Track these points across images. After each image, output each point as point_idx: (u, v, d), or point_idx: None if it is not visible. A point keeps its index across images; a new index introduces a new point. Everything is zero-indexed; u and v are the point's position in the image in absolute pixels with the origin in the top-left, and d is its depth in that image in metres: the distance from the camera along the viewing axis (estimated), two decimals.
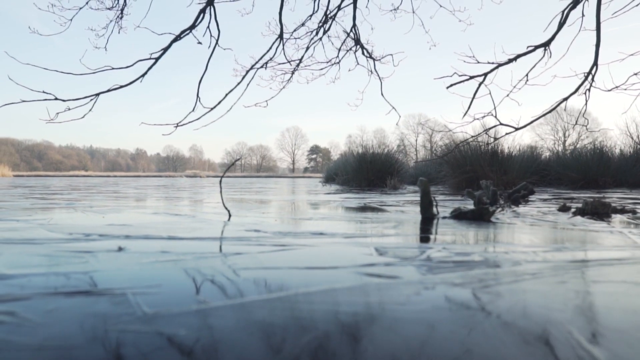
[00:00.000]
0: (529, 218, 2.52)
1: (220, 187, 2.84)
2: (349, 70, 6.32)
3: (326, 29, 6.00)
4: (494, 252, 1.38)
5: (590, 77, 4.17)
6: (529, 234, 1.86)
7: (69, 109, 4.20)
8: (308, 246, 1.49)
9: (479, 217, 2.45)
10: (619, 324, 0.71)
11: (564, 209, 3.03)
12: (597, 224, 2.20)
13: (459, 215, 2.50)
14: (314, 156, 74.47)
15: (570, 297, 0.86)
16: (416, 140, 60.05)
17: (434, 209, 2.55)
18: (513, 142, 10.43)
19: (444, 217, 2.50)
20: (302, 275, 1.05)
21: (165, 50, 4.87)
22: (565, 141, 44.96)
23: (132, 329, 0.68)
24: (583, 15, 4.27)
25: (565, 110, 4.82)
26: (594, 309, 0.79)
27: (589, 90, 4.22)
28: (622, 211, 2.87)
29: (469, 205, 3.27)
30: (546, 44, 4.36)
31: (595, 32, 4.13)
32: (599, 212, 2.79)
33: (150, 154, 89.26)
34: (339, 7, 5.93)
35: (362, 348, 0.61)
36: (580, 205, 2.98)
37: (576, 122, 5.30)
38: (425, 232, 1.93)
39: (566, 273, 1.07)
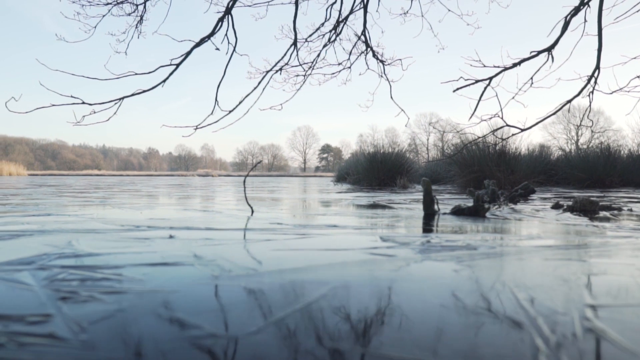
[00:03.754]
0: (521, 214, 2.81)
1: (244, 187, 3.16)
2: (360, 74, 6.57)
3: (338, 31, 6.29)
4: (476, 240, 1.68)
5: (593, 80, 4.41)
6: (513, 227, 2.15)
7: (94, 112, 4.53)
8: (324, 235, 1.80)
9: (475, 213, 2.74)
10: (539, 283, 1.01)
11: (556, 206, 3.31)
12: (579, 220, 2.49)
13: (457, 212, 2.80)
14: (325, 155, 74.84)
15: (519, 268, 1.17)
16: (427, 139, 60.14)
17: (435, 206, 2.85)
18: (521, 142, 10.64)
19: (444, 214, 2.80)
20: (321, 254, 1.36)
21: (186, 56, 5.18)
22: (578, 140, 44.83)
23: (211, 283, 1.00)
24: (585, 20, 4.50)
25: (569, 111, 5.04)
26: (529, 276, 1.09)
27: (592, 92, 4.46)
28: (609, 208, 3.15)
29: (471, 203, 3.56)
30: (549, 49, 4.58)
31: (597, 37, 4.37)
32: (587, 209, 3.07)
33: (162, 153, 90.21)
34: (350, 11, 6.22)
35: (361, 293, 0.91)
36: (570, 203, 3.26)
37: (580, 123, 5.53)
38: (425, 225, 2.23)
39: (528, 254, 1.37)
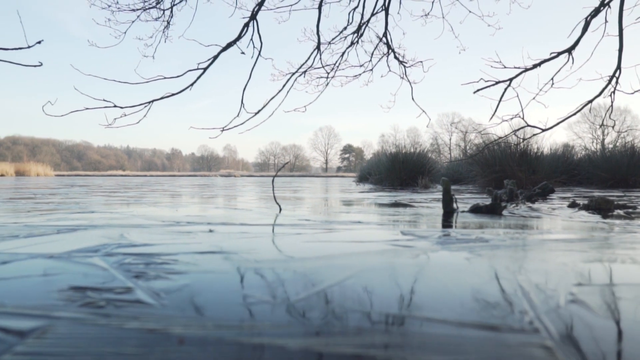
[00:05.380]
0: (536, 212, 2.93)
1: (273, 186, 3.34)
2: (382, 76, 6.69)
3: (360, 33, 6.44)
4: (489, 234, 1.83)
5: (614, 80, 4.48)
6: (526, 223, 2.29)
7: (125, 115, 4.75)
8: (349, 230, 1.97)
9: (493, 211, 2.88)
10: (539, 268, 1.16)
11: (573, 205, 3.42)
12: (592, 217, 2.61)
13: (475, 210, 2.93)
14: (346, 155, 75.01)
15: (523, 256, 1.32)
16: (450, 139, 59.86)
17: (454, 205, 2.99)
18: (542, 142, 10.65)
19: (463, 212, 2.94)
20: (347, 245, 1.53)
21: (213, 60, 5.38)
22: (603, 139, 44.11)
23: (250, 267, 1.17)
24: (606, 21, 4.57)
25: (590, 111, 5.10)
26: (531, 262, 1.24)
27: (613, 92, 4.53)
28: (624, 207, 3.25)
29: (489, 202, 3.68)
30: (569, 50, 4.65)
31: (618, 38, 4.44)
32: (602, 207, 3.17)
33: (185, 153, 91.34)
34: (372, 14, 6.37)
35: (382, 274, 1.08)
36: (586, 202, 3.37)
37: (602, 122, 5.61)
38: (443, 222, 2.38)
39: (534, 245, 1.52)
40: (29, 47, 3.02)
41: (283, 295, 0.89)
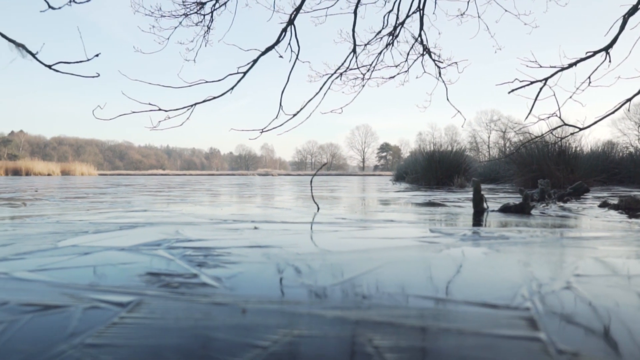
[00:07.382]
0: (565, 212, 3.03)
1: (311, 186, 3.53)
2: (417, 77, 6.79)
3: (395, 34, 6.56)
4: (511, 232, 1.97)
5: None
6: (551, 222, 2.40)
7: (169, 118, 5.01)
8: (382, 228, 2.14)
9: (521, 210, 2.99)
10: (546, 261, 1.31)
11: (603, 205, 3.48)
12: (618, 217, 2.70)
13: (504, 209, 3.05)
14: (384, 154, 74.76)
15: (536, 251, 1.46)
16: (489, 137, 58.91)
17: (484, 204, 3.11)
18: (581, 141, 10.50)
19: (492, 211, 3.06)
20: (379, 241, 1.70)
21: (253, 64, 5.58)
22: None
23: (293, 258, 1.36)
24: None
25: (629, 110, 5.08)
26: (541, 257, 1.38)
27: None
28: None
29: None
30: (606, 48, 4.66)
31: None
32: (632, 207, 3.24)
33: (223, 153, 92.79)
34: (407, 16, 6.48)
35: (408, 264, 1.24)
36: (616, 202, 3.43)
37: None
38: (471, 220, 2.52)
39: (550, 242, 1.66)
40: (88, 60, 3.29)
41: (322, 280, 1.07)
